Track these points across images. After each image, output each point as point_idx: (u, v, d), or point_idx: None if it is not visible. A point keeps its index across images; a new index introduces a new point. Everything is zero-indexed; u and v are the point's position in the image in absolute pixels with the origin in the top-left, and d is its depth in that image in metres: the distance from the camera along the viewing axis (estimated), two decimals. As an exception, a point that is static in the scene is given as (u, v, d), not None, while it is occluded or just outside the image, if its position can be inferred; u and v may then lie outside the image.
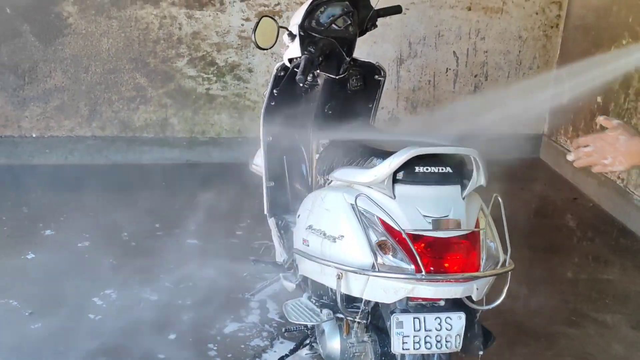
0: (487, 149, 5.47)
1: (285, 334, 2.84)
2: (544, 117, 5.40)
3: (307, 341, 2.71)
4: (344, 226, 2.12)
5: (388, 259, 2.02)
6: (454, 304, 2.12)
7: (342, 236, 2.12)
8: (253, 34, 2.65)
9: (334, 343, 2.32)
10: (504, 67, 5.24)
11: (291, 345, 2.80)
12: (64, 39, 4.59)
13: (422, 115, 5.22)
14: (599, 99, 4.69)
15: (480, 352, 2.21)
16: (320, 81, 2.83)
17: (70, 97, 4.71)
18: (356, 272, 2.04)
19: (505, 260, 2.11)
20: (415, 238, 2.00)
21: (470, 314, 2.15)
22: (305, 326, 2.63)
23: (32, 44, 4.56)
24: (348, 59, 2.76)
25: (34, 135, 4.74)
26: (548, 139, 5.38)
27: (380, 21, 2.97)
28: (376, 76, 2.96)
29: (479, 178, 2.09)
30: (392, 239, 2.01)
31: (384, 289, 2.03)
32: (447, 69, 5.16)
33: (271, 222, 3.09)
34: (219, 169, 4.80)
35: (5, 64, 4.57)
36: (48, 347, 2.84)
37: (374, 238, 2.03)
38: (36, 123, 4.72)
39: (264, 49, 2.70)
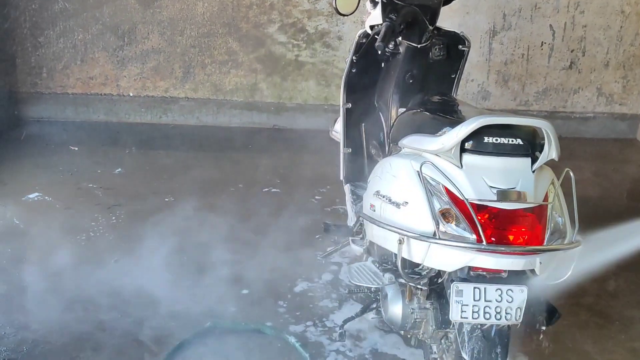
0: (581, 127, 5.39)
1: (349, 295, 2.89)
2: (643, 96, 5.16)
3: (374, 305, 2.75)
4: (408, 193, 2.14)
5: (450, 227, 2.02)
6: (518, 277, 2.10)
7: (407, 202, 2.14)
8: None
9: (395, 308, 2.34)
10: (603, 43, 5.02)
11: (358, 308, 2.85)
12: (161, 2, 4.77)
13: (513, 89, 5.10)
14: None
15: (543, 328, 2.19)
16: (402, 49, 2.82)
17: (165, 59, 4.89)
18: (417, 239, 2.06)
19: (572, 236, 2.06)
20: (480, 208, 1.99)
21: (535, 289, 2.13)
22: (370, 290, 2.68)
23: (132, 6, 4.76)
24: (431, 27, 2.73)
25: (131, 95, 4.97)
26: (647, 120, 5.15)
27: (473, -8, 2.91)
28: (460, 46, 2.92)
29: (550, 151, 2.04)
30: (456, 208, 2.01)
31: (444, 257, 2.04)
32: (542, 42, 5.00)
33: (346, 188, 3.13)
34: (305, 135, 4.89)
35: (107, 25, 4.79)
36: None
37: (438, 206, 2.04)
38: (133, 83, 4.94)
39: (344, 15, 2.72)
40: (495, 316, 2.05)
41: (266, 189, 4.08)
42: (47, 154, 4.40)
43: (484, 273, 2.07)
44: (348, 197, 3.06)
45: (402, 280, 2.30)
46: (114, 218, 3.66)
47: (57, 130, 4.80)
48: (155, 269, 3.19)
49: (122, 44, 4.84)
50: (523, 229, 2.01)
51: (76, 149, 4.51)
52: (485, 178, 2.02)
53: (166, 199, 3.88)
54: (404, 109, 2.77)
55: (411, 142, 2.29)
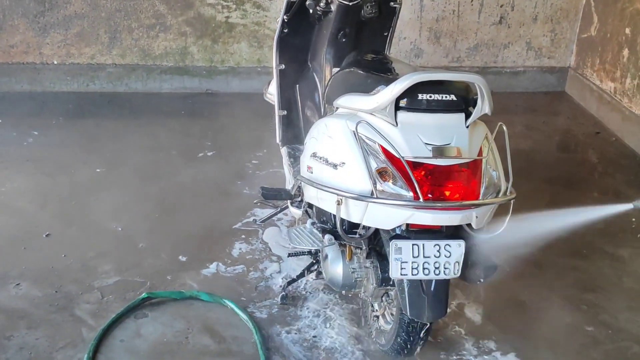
0: (512, 81, 5.49)
1: (289, 258, 2.88)
2: (571, 49, 5.26)
3: (315, 267, 2.76)
4: (345, 153, 2.13)
5: (388, 186, 2.02)
6: (455, 232, 2.13)
7: (343, 163, 2.13)
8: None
9: (336, 268, 2.35)
10: (532, -3, 5.09)
11: (299, 270, 2.85)
12: (83, -36, 4.57)
13: (445, 46, 5.12)
14: (627, 31, 4.55)
15: (481, 280, 2.23)
16: (333, 8, 2.78)
17: (90, 24, 4.70)
18: (355, 199, 2.05)
19: (507, 189, 2.09)
20: (416, 166, 2.00)
21: (472, 243, 2.16)
22: (310, 251, 2.68)
23: (52, -31, 4.55)
24: (362, -16, 2.70)
25: (55, 63, 4.77)
26: (574, 72, 5.25)
27: (403, -53, 2.88)
28: (392, 3, 2.91)
29: (483, 106, 2.05)
30: (392, 167, 2.01)
31: (382, 216, 2.05)
32: (472, -2, 5.03)
33: (283, 150, 3.11)
34: (238, 99, 4.83)
35: (25, -10, 4.57)
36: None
37: (374, 165, 2.03)
38: (57, 50, 4.74)
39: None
40: (434, 271, 2.08)
41: (201, 154, 4.01)
42: (-31, 128, 4.21)
43: (423, 229, 2.09)
44: (285, 160, 3.03)
45: (342, 241, 2.30)
46: (42, 191, 3.53)
47: (-23, 102, 4.60)
48: (90, 241, 3.11)
49: (43, 10, 4.63)
50: (459, 185, 2.03)
51: (0, 120, 4.32)
52: (420, 135, 2.02)
53: (97, 170, 3.77)
54: (338, 69, 2.75)
55: (346, 101, 2.27)
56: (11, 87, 4.75)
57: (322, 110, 2.87)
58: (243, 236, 3.20)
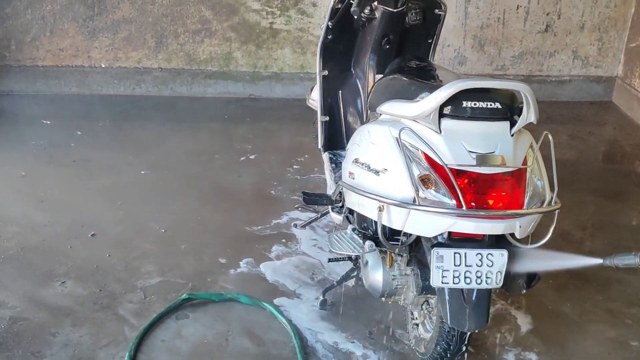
0: (557, 90, 5.41)
1: (329, 263, 2.88)
2: (618, 58, 5.17)
3: (354, 273, 2.76)
4: (387, 159, 2.12)
5: (430, 194, 2.01)
6: (498, 241, 2.10)
7: (386, 169, 2.12)
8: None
9: (376, 275, 2.34)
10: (579, 5, 5.00)
11: (338, 277, 2.86)
12: (131, -29, 4.66)
13: (489, 54, 5.09)
14: (678, 40, 4.46)
15: (523, 291, 2.20)
16: (377, 14, 2.79)
17: (137, 29, 4.80)
18: (397, 205, 2.05)
19: (551, 199, 2.06)
20: (459, 173, 1.98)
21: (515, 253, 2.13)
22: (350, 258, 2.68)
23: (101, -25, 4.65)
24: (407, -9, 2.70)
25: (103, 66, 4.87)
26: (622, 82, 5.16)
27: (448, -45, 2.88)
28: (436, 10, 2.91)
29: (529, 115, 2.03)
30: (435, 174, 2.00)
31: (424, 223, 2.03)
32: (517, 6, 4.97)
33: (324, 156, 3.11)
34: (281, 104, 4.86)
35: (76, -5, 4.68)
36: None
37: (417, 172, 2.02)
38: (105, 54, 4.84)
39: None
40: (475, 280, 2.05)
41: (243, 158, 4.04)
42: (19, 129, 4.32)
43: (465, 238, 2.07)
44: (327, 166, 3.04)
45: (383, 248, 2.29)
46: (88, 192, 3.60)
47: (28, 104, 4.72)
48: (134, 242, 3.16)
49: (92, 14, 4.73)
50: (502, 193, 2.00)
51: (48, 122, 4.43)
52: (464, 143, 2.00)
53: (142, 172, 3.83)
54: (381, 75, 2.75)
55: (389, 108, 2.27)
56: (60, 90, 4.86)
57: (365, 116, 2.87)
58: (283, 240, 3.22)
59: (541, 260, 2.13)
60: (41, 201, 3.47)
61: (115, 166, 3.89)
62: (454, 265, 2.05)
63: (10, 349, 2.48)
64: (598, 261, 2.09)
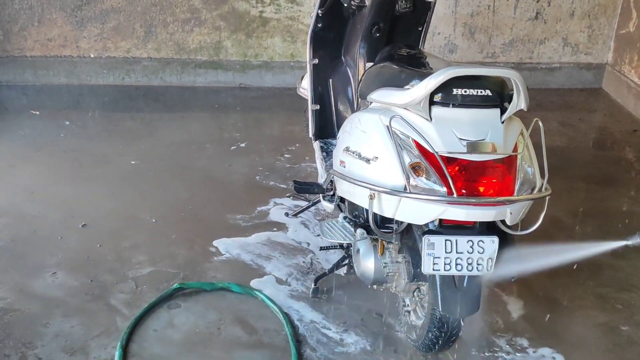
0: (547, 78, 5.42)
1: (321, 251, 2.89)
2: (608, 45, 5.18)
3: (346, 261, 2.76)
4: (378, 147, 2.13)
5: (421, 181, 2.02)
6: (488, 228, 2.11)
7: (377, 157, 2.13)
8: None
9: (368, 262, 2.35)
10: (569, -8, 5.01)
11: (329, 265, 2.86)
12: (119, -41, 4.62)
13: (479, 41, 5.08)
14: (667, 27, 4.47)
15: (514, 277, 2.21)
16: (367, 2, 2.78)
17: (126, 18, 4.76)
18: (388, 193, 2.05)
19: (542, 186, 2.07)
20: (450, 161, 1.98)
21: (506, 239, 2.14)
22: (341, 245, 2.68)
23: (89, -36, 4.62)
24: (396, -22, 2.69)
25: (92, 56, 4.84)
26: (612, 69, 5.17)
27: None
28: (426, -3, 2.89)
29: (519, 102, 2.03)
30: (426, 162, 2.00)
31: (415, 211, 2.04)
32: (508, -7, 4.98)
33: (315, 145, 3.11)
34: (271, 93, 4.85)
35: (63, -17, 4.64)
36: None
37: (408, 160, 2.03)
38: (94, 44, 4.81)
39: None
40: (467, 267, 2.06)
41: (234, 147, 4.04)
42: (7, 119, 4.29)
43: (456, 225, 2.08)
44: (318, 154, 3.04)
45: (374, 235, 2.30)
46: (78, 182, 3.59)
47: (16, 95, 4.68)
48: (124, 232, 3.16)
49: (81, 4, 4.69)
50: (493, 180, 2.01)
51: (37, 113, 4.40)
52: (454, 130, 2.01)
53: (132, 162, 3.82)
54: (372, 63, 2.74)
55: (380, 96, 2.27)
56: (49, 80, 4.83)
57: (355, 104, 2.87)
58: (275, 229, 3.22)
59: (567, 253, 2.14)
60: (31, 192, 3.46)
61: (105, 156, 3.87)
62: (445, 252, 2.05)
63: (1, 340, 2.47)
64: (622, 243, 2.09)
